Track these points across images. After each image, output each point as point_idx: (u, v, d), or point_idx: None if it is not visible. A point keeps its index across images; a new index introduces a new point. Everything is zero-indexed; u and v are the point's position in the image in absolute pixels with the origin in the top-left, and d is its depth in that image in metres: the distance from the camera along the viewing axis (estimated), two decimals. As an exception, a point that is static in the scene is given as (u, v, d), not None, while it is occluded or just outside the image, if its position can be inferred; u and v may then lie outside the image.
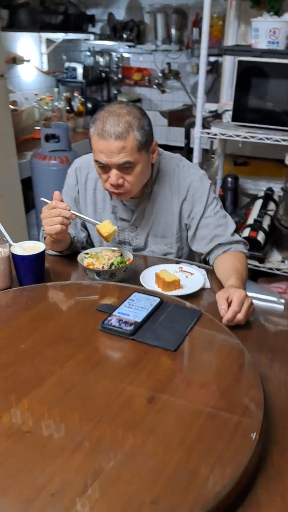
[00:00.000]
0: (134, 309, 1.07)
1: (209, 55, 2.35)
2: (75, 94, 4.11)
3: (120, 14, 4.33)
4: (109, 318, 1.03)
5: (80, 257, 1.30)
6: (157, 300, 1.10)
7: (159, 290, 1.22)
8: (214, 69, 3.98)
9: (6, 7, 2.91)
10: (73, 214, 1.26)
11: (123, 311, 1.06)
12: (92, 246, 1.53)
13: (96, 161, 1.27)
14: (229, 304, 1.09)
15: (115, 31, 4.24)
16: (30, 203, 3.08)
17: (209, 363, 0.96)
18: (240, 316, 1.07)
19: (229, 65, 2.67)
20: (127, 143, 1.21)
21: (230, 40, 2.62)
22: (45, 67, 4.04)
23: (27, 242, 1.29)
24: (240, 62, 2.15)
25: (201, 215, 1.38)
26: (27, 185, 2.97)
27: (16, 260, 1.22)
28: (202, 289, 1.26)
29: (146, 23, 4.25)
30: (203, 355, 1.00)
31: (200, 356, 1.00)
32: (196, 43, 4.06)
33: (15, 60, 3.61)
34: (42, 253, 1.25)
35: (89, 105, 4.21)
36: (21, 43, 3.67)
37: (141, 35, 4.28)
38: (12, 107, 3.08)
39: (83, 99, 4.15)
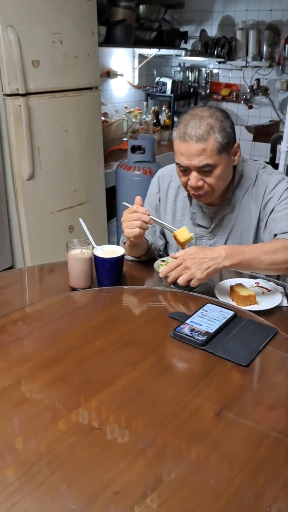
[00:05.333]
0: (207, 320, 1.06)
1: None
2: (163, 108, 4.19)
3: (213, 31, 4.37)
4: (181, 326, 1.03)
5: (156, 264, 1.32)
6: (231, 313, 1.08)
7: (233, 303, 1.20)
8: (306, 86, 3.87)
9: (104, 23, 3.05)
10: (152, 219, 1.28)
11: (196, 320, 1.06)
12: (168, 254, 1.55)
13: (177, 164, 1.29)
14: None
15: (207, 47, 4.28)
16: (113, 211, 3.17)
17: (281, 385, 0.93)
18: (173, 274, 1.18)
19: None
20: (208, 145, 1.22)
21: None
22: (136, 82, 4.17)
23: (108, 246, 1.33)
24: None
25: (271, 211, 1.34)
26: (111, 193, 3.07)
27: (97, 261, 1.27)
28: (279, 307, 1.22)
29: (238, 40, 4.24)
30: (274, 375, 0.96)
31: (272, 376, 0.96)
32: (287, 60, 3.99)
33: (109, 74, 3.77)
34: (122, 257, 1.29)
35: (175, 119, 4.27)
36: (115, 58, 3.82)
37: (232, 51, 4.28)
38: (103, 118, 3.21)
39: (170, 113, 4.22)
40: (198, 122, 1.22)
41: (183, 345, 1.00)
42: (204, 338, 0.99)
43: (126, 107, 3.93)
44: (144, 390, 0.88)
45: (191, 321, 1.05)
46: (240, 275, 1.39)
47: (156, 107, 4.14)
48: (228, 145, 1.26)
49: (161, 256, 1.51)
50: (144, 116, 3.90)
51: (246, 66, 4.24)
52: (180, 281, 1.17)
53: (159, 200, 1.49)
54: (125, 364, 0.94)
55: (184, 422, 0.80)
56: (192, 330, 1.02)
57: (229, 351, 0.97)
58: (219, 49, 4.23)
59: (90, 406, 0.83)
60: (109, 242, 3.10)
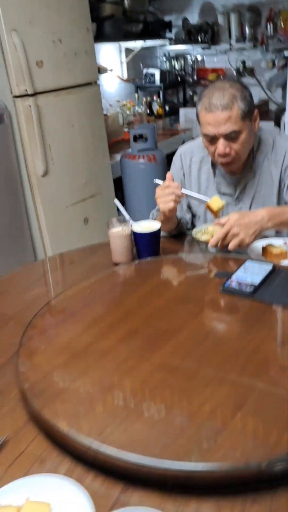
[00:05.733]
0: (250, 274, 1.17)
1: (284, 49, 2.40)
2: (155, 98, 4.29)
3: (194, 18, 4.46)
4: (228, 282, 1.15)
5: (194, 233, 1.43)
6: (270, 266, 1.20)
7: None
8: (292, 63, 3.99)
9: (94, 20, 3.13)
10: (184, 192, 1.39)
11: (240, 275, 1.17)
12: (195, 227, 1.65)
13: (204, 134, 1.40)
14: None
15: (190, 34, 4.37)
16: (121, 202, 3.27)
17: None
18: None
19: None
20: (232, 113, 1.33)
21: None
22: (125, 75, 4.26)
23: (143, 222, 1.44)
24: None
25: None
26: (116, 185, 3.17)
27: (137, 237, 1.38)
28: (308, 260, 1.33)
29: (220, 24, 4.34)
30: None
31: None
32: (271, 39, 4.10)
33: (99, 70, 3.85)
34: (159, 231, 1.40)
35: (167, 108, 4.37)
36: (103, 53, 3.91)
37: (215, 36, 4.38)
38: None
39: (161, 103, 4.32)
40: (222, 93, 1.34)
41: (233, 297, 1.12)
42: (252, 289, 1.11)
43: (118, 101, 4.03)
44: (208, 335, 1.00)
45: (236, 277, 1.17)
46: (265, 237, 1.51)
47: (148, 98, 4.24)
48: (250, 112, 1.38)
49: (189, 230, 1.62)
50: (137, 108, 4.01)
51: (230, 50, 4.34)
52: (231, 247, 1.28)
53: (183, 175, 1.60)
54: (186, 317, 1.06)
55: (250, 356, 0.92)
56: (239, 283, 1.14)
57: (275, 297, 1.09)
58: (203, 35, 4.33)
59: (165, 351, 0.94)
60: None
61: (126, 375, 0.88)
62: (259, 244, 1.40)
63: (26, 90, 2.27)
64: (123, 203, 3.32)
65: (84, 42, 2.60)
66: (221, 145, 1.37)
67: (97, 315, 1.10)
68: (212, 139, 1.39)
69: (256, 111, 1.42)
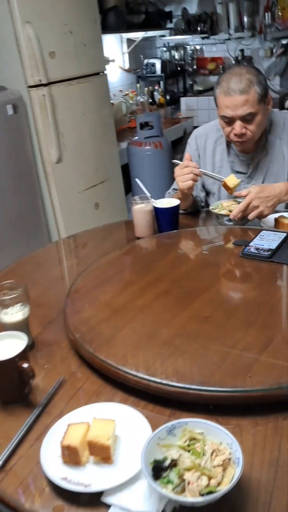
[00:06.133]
0: (266, 241, 1.30)
1: (282, 37, 2.50)
2: (156, 88, 4.39)
3: (193, 8, 4.55)
4: (247, 248, 1.27)
5: (213, 208, 1.54)
6: (285, 234, 1.32)
7: (280, 231, 1.43)
8: (288, 51, 4.09)
9: (99, 11, 3.22)
10: (201, 171, 1.51)
11: (258, 242, 1.29)
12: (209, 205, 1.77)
13: (222, 116, 1.51)
14: None
15: (189, 24, 4.46)
16: (128, 188, 3.38)
17: None
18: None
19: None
20: (249, 97, 1.45)
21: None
22: (127, 65, 4.36)
23: (163, 199, 1.56)
24: None
25: None
26: (123, 172, 3.27)
27: (158, 212, 1.49)
28: None
29: (219, 14, 4.43)
30: None
31: None
32: (269, 27, 4.20)
33: (103, 60, 3.95)
34: (178, 206, 1.51)
35: (168, 97, 4.47)
36: (106, 44, 3.99)
37: (214, 26, 4.47)
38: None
39: (162, 92, 4.42)
40: (239, 78, 1.45)
41: (252, 261, 1.24)
42: (269, 253, 1.23)
43: (121, 91, 4.12)
44: (233, 292, 1.12)
45: (254, 243, 1.29)
46: (276, 212, 1.63)
47: (149, 87, 4.33)
48: (265, 95, 1.49)
49: (203, 207, 1.75)
50: (139, 97, 4.11)
51: (229, 39, 4.44)
52: (251, 217, 1.40)
53: (198, 156, 1.72)
54: (211, 278, 1.18)
55: (272, 308, 1.04)
56: (257, 249, 1.26)
57: (291, 259, 1.21)
58: (202, 25, 4.42)
59: (196, 307, 1.06)
60: (128, 217, 3.31)
61: (164, 325, 1.00)
62: (272, 216, 1.52)
63: (40, 80, 2.37)
64: (130, 189, 3.43)
65: (92, 33, 2.70)
66: (238, 126, 1.49)
67: (129, 280, 1.22)
68: (229, 121, 1.50)
69: (270, 95, 1.54)
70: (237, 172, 1.65)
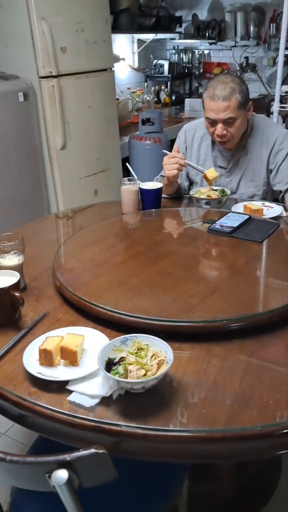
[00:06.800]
0: (231, 221, 1.51)
1: (285, 48, 2.72)
2: (162, 87, 4.61)
3: (203, 15, 4.77)
4: (214, 225, 1.49)
5: (193, 193, 1.76)
6: (247, 216, 1.54)
7: (247, 216, 1.65)
8: (291, 61, 4.30)
9: (111, 12, 3.44)
10: (186, 162, 1.73)
11: (223, 221, 1.51)
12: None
13: (207, 118, 1.73)
14: None
15: (198, 30, 4.68)
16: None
17: (281, 250, 1.38)
18: None
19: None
20: (231, 103, 1.66)
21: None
22: (136, 65, 4.58)
23: (149, 182, 1.78)
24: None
25: (282, 161, 1.79)
26: (123, 163, 3.50)
27: (143, 192, 1.71)
28: (279, 216, 1.67)
29: (227, 21, 4.65)
30: (279, 247, 1.41)
31: (276, 247, 1.41)
32: (273, 38, 4.41)
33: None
34: (161, 189, 1.73)
35: (173, 97, 4.70)
36: (117, 43, 4.22)
37: (221, 32, 4.69)
38: (112, 98, 3.62)
39: (168, 92, 4.64)
40: (224, 86, 1.66)
41: (216, 236, 1.45)
42: (231, 229, 1.45)
43: (129, 88, 4.35)
44: (196, 257, 1.34)
45: (219, 222, 1.50)
46: (250, 201, 1.84)
47: (156, 87, 4.56)
48: (245, 103, 1.71)
49: (186, 194, 1.96)
50: (145, 96, 4.33)
51: (235, 46, 4.65)
52: None
53: (186, 148, 1.93)
54: (180, 246, 1.40)
55: (225, 268, 1.25)
56: (221, 226, 1.48)
57: (249, 235, 1.42)
58: (210, 31, 4.64)
59: (162, 264, 1.28)
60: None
61: (133, 276, 1.22)
62: (242, 203, 1.73)
63: (50, 72, 2.59)
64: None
65: (103, 32, 2.92)
66: (219, 128, 1.70)
67: (112, 243, 1.45)
68: (212, 122, 1.72)
69: (250, 102, 1.75)
70: (219, 166, 1.87)
